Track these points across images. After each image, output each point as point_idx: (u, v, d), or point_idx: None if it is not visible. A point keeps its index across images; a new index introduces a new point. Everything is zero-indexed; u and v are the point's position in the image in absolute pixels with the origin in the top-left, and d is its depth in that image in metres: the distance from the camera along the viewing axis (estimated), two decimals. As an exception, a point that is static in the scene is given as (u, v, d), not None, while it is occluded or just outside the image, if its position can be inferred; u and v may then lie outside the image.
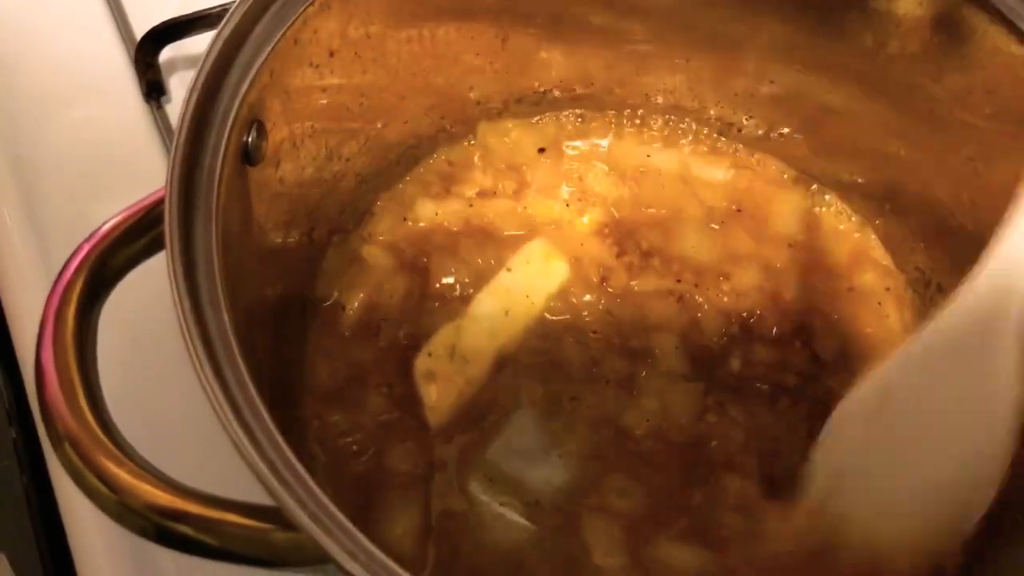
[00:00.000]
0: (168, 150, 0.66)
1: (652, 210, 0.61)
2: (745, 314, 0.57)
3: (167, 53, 0.69)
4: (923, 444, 0.45)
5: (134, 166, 0.65)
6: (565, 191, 0.61)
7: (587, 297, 0.57)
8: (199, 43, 0.69)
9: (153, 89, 0.69)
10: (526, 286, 0.57)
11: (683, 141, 0.64)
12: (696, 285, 0.58)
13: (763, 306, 0.57)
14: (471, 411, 0.53)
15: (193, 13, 0.68)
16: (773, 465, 0.52)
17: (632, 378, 0.54)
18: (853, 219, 0.62)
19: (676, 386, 0.54)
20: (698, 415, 0.53)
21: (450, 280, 0.57)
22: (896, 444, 0.45)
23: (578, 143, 0.64)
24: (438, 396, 0.53)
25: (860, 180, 0.61)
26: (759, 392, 0.55)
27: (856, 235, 0.61)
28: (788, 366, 0.56)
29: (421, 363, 0.54)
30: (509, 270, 0.57)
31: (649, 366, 0.55)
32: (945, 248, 0.57)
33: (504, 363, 0.54)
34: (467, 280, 0.57)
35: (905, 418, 0.45)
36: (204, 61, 0.41)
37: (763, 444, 0.53)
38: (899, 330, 0.58)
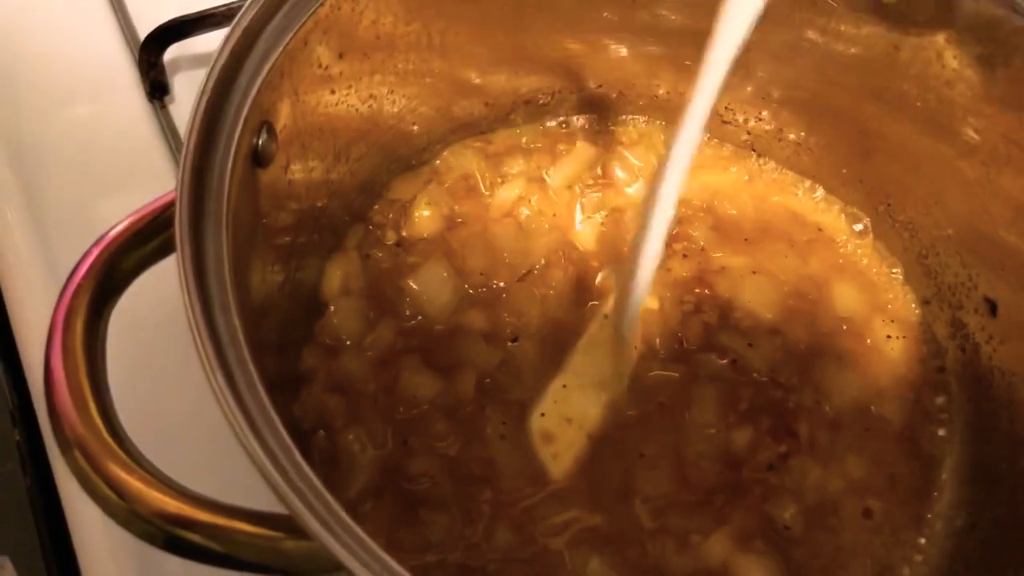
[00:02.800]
0: (171, 150, 0.65)
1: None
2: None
3: (171, 53, 0.69)
4: None
5: (137, 166, 0.65)
6: (580, 208, 0.61)
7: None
8: (203, 43, 0.69)
9: (156, 89, 0.68)
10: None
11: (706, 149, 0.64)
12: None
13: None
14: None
15: (197, 13, 0.68)
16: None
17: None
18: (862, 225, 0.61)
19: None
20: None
21: (481, 281, 0.56)
22: None
23: (590, 150, 0.63)
24: (558, 457, 0.51)
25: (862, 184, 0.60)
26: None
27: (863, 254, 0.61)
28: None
29: (536, 423, 0.52)
30: (606, 316, 0.55)
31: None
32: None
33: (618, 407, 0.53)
34: (496, 281, 0.56)
35: None
36: (214, 63, 0.41)
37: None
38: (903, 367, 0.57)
